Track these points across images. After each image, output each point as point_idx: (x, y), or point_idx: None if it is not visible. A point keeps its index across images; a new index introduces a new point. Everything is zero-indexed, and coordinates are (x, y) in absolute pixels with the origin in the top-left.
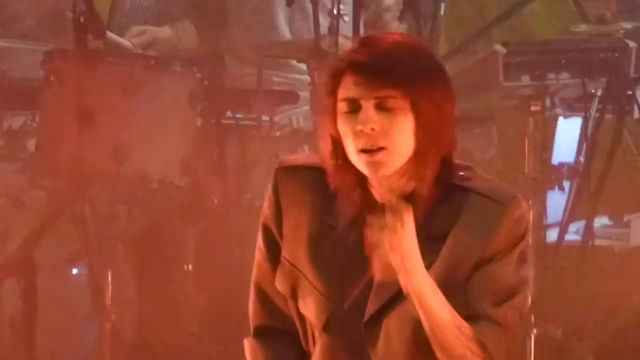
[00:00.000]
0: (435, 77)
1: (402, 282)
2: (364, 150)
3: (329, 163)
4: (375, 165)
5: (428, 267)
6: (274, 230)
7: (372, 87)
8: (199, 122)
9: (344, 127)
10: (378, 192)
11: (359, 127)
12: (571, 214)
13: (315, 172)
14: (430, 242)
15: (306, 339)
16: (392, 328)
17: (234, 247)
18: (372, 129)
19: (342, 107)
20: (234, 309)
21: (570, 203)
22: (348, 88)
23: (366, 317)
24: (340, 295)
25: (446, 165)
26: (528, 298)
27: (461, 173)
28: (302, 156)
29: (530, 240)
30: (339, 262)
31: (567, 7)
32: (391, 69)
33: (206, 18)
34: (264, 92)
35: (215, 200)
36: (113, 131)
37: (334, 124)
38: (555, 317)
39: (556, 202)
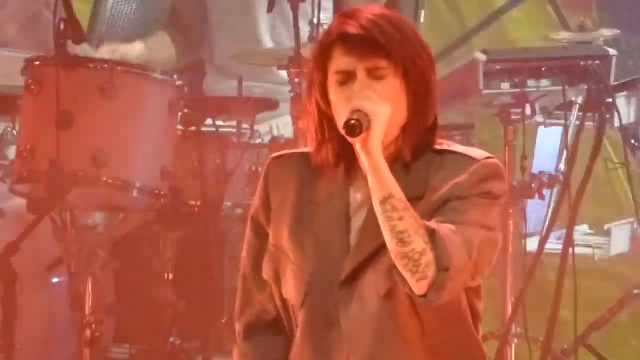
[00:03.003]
0: (419, 46)
1: (361, 145)
2: None
3: (314, 138)
4: None
5: None
6: (263, 221)
7: (363, 56)
8: (179, 129)
9: (337, 99)
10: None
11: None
12: (552, 222)
13: (301, 156)
14: (410, 201)
15: (291, 327)
16: (367, 287)
17: (214, 254)
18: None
19: (334, 79)
20: (214, 316)
21: (550, 212)
22: (340, 60)
23: (343, 277)
24: (317, 266)
25: (430, 132)
26: (491, 246)
27: (442, 142)
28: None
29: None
30: (316, 235)
31: (547, 15)
32: (380, 38)
33: (185, 28)
34: (244, 99)
35: (196, 208)
36: (93, 138)
37: (323, 98)
38: (536, 325)
39: (537, 210)
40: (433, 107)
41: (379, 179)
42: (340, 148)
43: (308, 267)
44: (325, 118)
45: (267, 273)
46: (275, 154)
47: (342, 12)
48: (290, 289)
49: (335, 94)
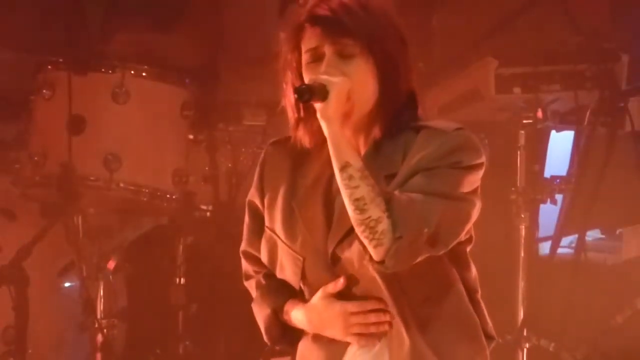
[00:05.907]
0: (389, 27)
1: (320, 114)
2: None
3: (292, 117)
4: None
5: None
6: (258, 203)
7: (332, 36)
8: (190, 133)
9: (308, 76)
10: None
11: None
12: (563, 227)
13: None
14: (386, 179)
15: None
16: (351, 263)
17: (226, 258)
18: None
19: (306, 58)
20: (225, 321)
21: (562, 216)
22: (309, 40)
23: (329, 255)
24: (307, 249)
25: (407, 110)
26: (457, 216)
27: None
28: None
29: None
30: (304, 218)
31: (559, 19)
32: (347, 20)
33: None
34: (256, 102)
35: (208, 213)
36: (105, 143)
37: (298, 77)
38: (548, 330)
39: (548, 215)
40: (404, 85)
41: (337, 148)
42: (317, 128)
43: (300, 251)
44: None
45: (263, 255)
46: (273, 140)
47: None
48: (287, 270)
49: (306, 72)
